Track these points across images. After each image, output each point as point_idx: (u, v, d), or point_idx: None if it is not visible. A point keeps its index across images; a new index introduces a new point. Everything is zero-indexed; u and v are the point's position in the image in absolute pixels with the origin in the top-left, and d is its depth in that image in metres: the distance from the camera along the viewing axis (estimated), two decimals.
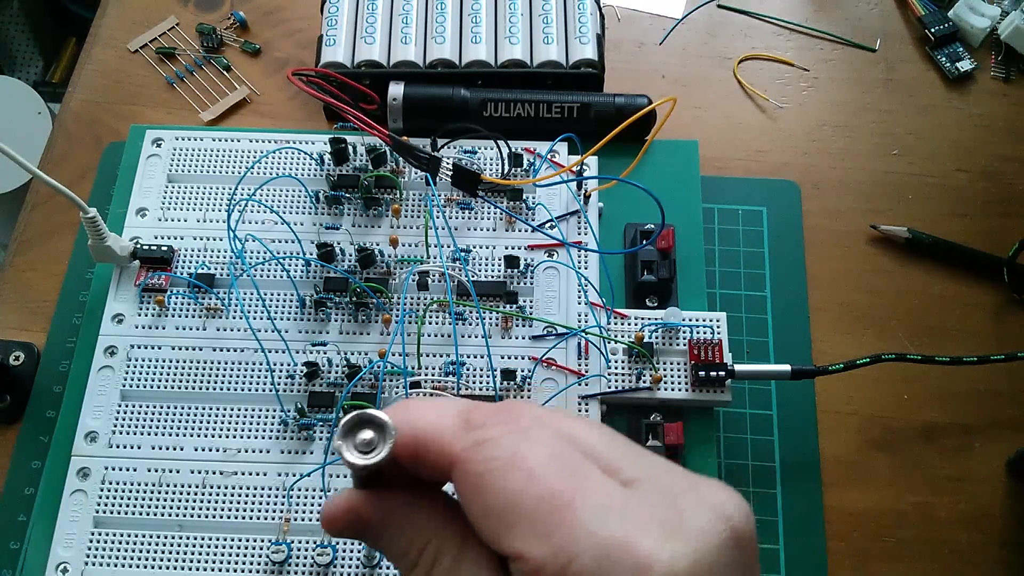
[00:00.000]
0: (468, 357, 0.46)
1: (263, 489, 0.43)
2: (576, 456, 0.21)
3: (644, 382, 0.45)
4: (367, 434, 0.22)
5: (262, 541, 0.42)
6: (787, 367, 0.45)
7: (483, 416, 0.22)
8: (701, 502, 0.21)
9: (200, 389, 0.45)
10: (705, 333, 0.46)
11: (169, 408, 0.45)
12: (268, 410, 0.45)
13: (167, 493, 0.43)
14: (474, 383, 0.45)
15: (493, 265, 0.48)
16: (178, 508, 0.43)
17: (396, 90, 0.52)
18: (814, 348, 0.50)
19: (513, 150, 0.50)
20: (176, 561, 0.42)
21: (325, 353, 0.46)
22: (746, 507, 0.21)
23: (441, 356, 0.46)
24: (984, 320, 0.51)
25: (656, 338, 0.46)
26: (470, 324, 0.47)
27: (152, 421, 0.45)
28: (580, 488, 0.20)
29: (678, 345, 0.46)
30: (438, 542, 0.22)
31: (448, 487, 0.23)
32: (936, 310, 0.51)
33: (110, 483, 0.43)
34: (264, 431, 0.44)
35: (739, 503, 0.21)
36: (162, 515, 0.43)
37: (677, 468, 0.22)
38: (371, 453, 0.21)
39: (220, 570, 0.42)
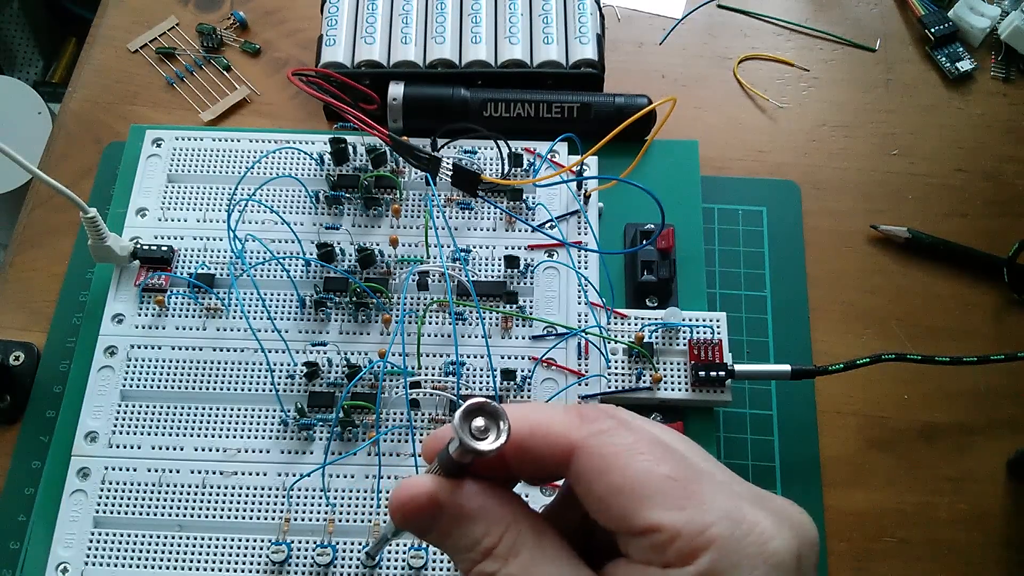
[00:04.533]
0: (468, 357, 0.46)
1: (263, 489, 0.43)
2: (679, 452, 0.23)
3: (644, 382, 0.45)
4: (480, 422, 0.22)
5: (262, 541, 0.42)
6: (787, 367, 0.45)
7: (594, 412, 0.24)
8: (788, 507, 0.23)
9: (200, 389, 0.45)
10: (705, 333, 0.46)
11: (169, 408, 0.45)
12: (268, 410, 0.45)
13: (167, 493, 0.43)
14: (474, 383, 0.45)
15: (493, 265, 0.48)
16: (178, 508, 0.43)
17: (396, 90, 0.52)
18: (814, 348, 0.50)
19: (513, 150, 0.50)
20: (176, 561, 0.42)
21: (325, 353, 0.46)
22: (813, 522, 0.24)
23: (441, 356, 0.46)
24: (984, 320, 0.51)
25: (656, 338, 0.46)
26: (470, 324, 0.47)
27: (152, 421, 0.45)
28: (699, 471, 0.22)
29: (678, 345, 0.46)
30: (516, 531, 0.23)
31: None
32: (936, 310, 0.51)
33: (110, 483, 0.43)
34: (264, 431, 0.44)
35: (810, 519, 0.24)
36: (162, 515, 0.43)
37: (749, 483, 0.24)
38: (484, 441, 0.22)
39: (220, 570, 0.42)
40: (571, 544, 0.23)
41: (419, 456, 0.43)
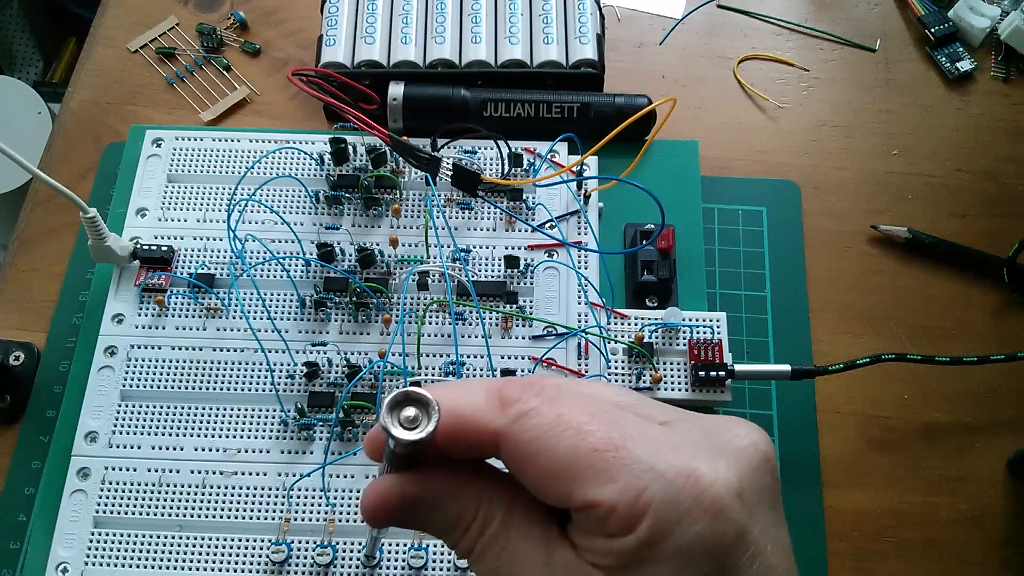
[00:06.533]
0: (468, 357, 0.46)
1: (263, 489, 0.43)
2: (610, 409, 0.23)
3: (644, 382, 0.45)
4: (410, 411, 0.22)
5: (262, 541, 0.42)
6: (787, 367, 0.45)
7: (516, 391, 0.23)
8: (731, 433, 0.23)
9: (200, 389, 0.45)
10: (705, 333, 0.46)
11: (169, 408, 0.45)
12: (268, 410, 0.45)
13: (167, 493, 0.43)
14: None
15: (493, 265, 0.48)
16: (178, 508, 0.43)
17: (396, 90, 0.52)
18: (814, 348, 0.50)
19: (513, 150, 0.50)
20: (176, 561, 0.42)
21: (325, 353, 0.46)
22: (767, 436, 0.23)
23: (441, 356, 0.46)
24: (984, 320, 0.51)
25: (656, 338, 0.46)
26: (470, 324, 0.47)
27: (152, 421, 0.45)
28: (626, 432, 0.22)
29: (678, 345, 0.46)
30: (486, 506, 0.23)
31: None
32: (936, 310, 0.51)
33: (110, 483, 0.43)
34: (264, 431, 0.44)
35: (763, 433, 0.23)
36: (162, 515, 0.43)
37: (697, 413, 0.24)
38: (416, 430, 0.22)
39: (220, 570, 0.42)
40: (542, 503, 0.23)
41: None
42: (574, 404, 0.22)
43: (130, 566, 0.42)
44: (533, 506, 0.23)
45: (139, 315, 0.47)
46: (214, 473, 0.44)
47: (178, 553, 0.42)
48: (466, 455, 0.24)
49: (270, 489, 0.43)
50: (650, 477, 0.21)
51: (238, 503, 0.43)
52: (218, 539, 0.42)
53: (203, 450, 0.44)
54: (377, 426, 0.23)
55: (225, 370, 0.46)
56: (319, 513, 0.43)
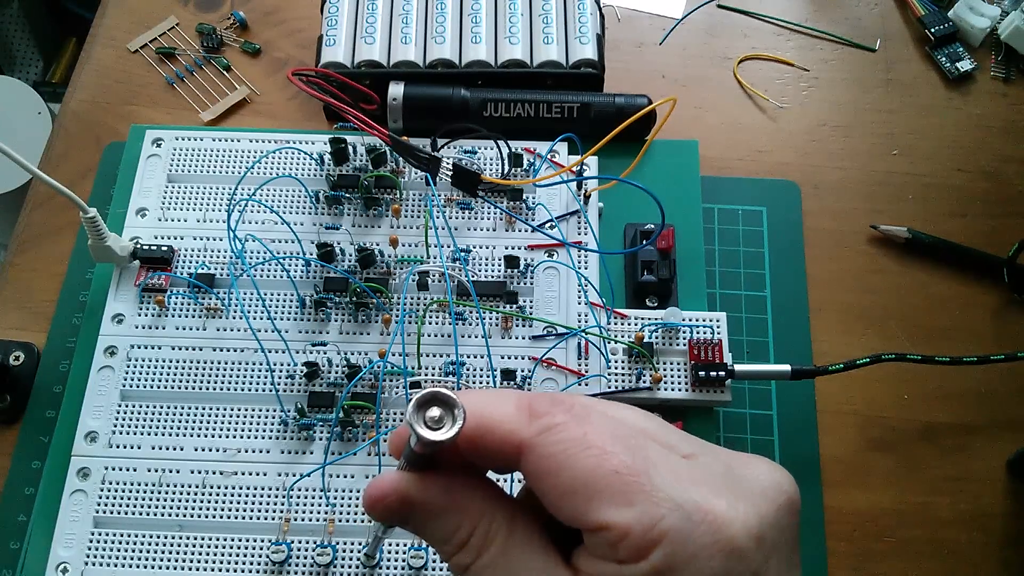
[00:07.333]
0: (468, 357, 0.46)
1: (263, 489, 0.43)
2: (635, 435, 0.23)
3: (644, 382, 0.45)
4: (435, 412, 0.22)
5: (262, 541, 0.42)
6: (787, 367, 0.45)
7: (545, 405, 0.23)
8: (756, 472, 0.23)
9: (200, 389, 0.45)
10: (705, 333, 0.46)
11: (169, 408, 0.45)
12: (268, 410, 0.45)
13: (167, 493, 0.43)
14: (474, 383, 0.45)
15: (493, 265, 0.48)
16: (178, 508, 0.43)
17: (396, 90, 0.52)
18: (814, 348, 0.50)
19: (513, 150, 0.50)
20: (176, 561, 0.42)
21: (325, 353, 0.46)
22: (792, 479, 0.23)
23: (441, 356, 0.46)
24: (984, 320, 0.51)
25: (656, 338, 0.46)
26: (470, 324, 0.47)
27: (152, 421, 0.45)
28: (649, 460, 0.22)
29: (678, 345, 0.46)
30: (488, 522, 0.23)
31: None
32: (936, 310, 0.51)
33: (110, 483, 0.43)
34: (264, 431, 0.44)
35: (787, 475, 0.23)
36: (162, 515, 0.43)
37: (722, 448, 0.24)
38: (439, 431, 0.22)
39: (220, 570, 0.42)
40: (548, 526, 0.23)
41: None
42: (601, 425, 0.22)
43: (130, 566, 0.42)
44: (536, 532, 0.23)
45: (139, 315, 0.47)
46: (214, 473, 0.44)
47: (178, 553, 0.42)
48: (487, 464, 0.24)
49: (270, 489, 0.43)
50: (669, 507, 0.21)
51: (238, 503, 0.43)
52: (218, 539, 0.42)
53: (203, 450, 0.44)
54: (403, 423, 0.23)
55: (225, 370, 0.46)
56: (319, 513, 0.43)
